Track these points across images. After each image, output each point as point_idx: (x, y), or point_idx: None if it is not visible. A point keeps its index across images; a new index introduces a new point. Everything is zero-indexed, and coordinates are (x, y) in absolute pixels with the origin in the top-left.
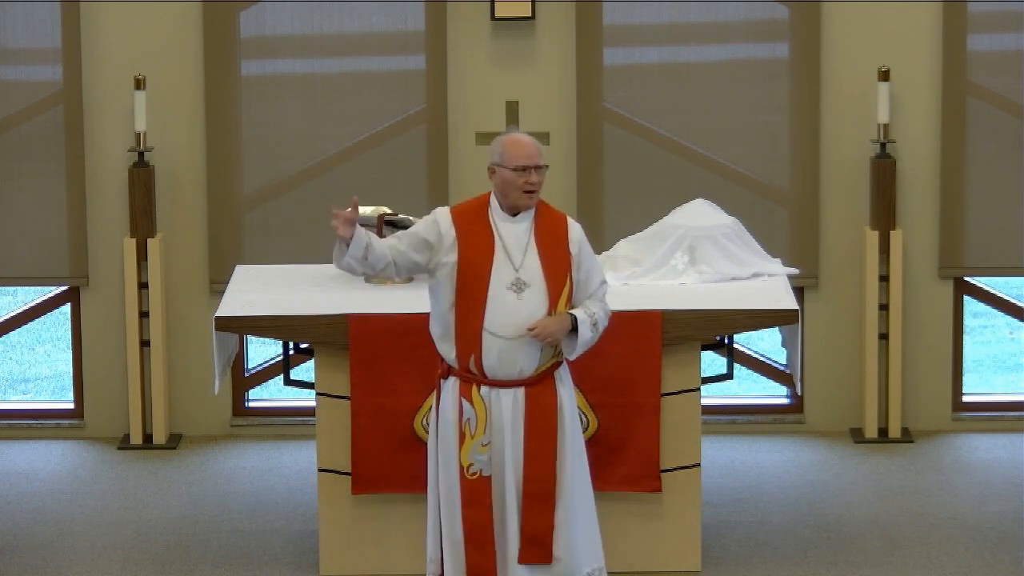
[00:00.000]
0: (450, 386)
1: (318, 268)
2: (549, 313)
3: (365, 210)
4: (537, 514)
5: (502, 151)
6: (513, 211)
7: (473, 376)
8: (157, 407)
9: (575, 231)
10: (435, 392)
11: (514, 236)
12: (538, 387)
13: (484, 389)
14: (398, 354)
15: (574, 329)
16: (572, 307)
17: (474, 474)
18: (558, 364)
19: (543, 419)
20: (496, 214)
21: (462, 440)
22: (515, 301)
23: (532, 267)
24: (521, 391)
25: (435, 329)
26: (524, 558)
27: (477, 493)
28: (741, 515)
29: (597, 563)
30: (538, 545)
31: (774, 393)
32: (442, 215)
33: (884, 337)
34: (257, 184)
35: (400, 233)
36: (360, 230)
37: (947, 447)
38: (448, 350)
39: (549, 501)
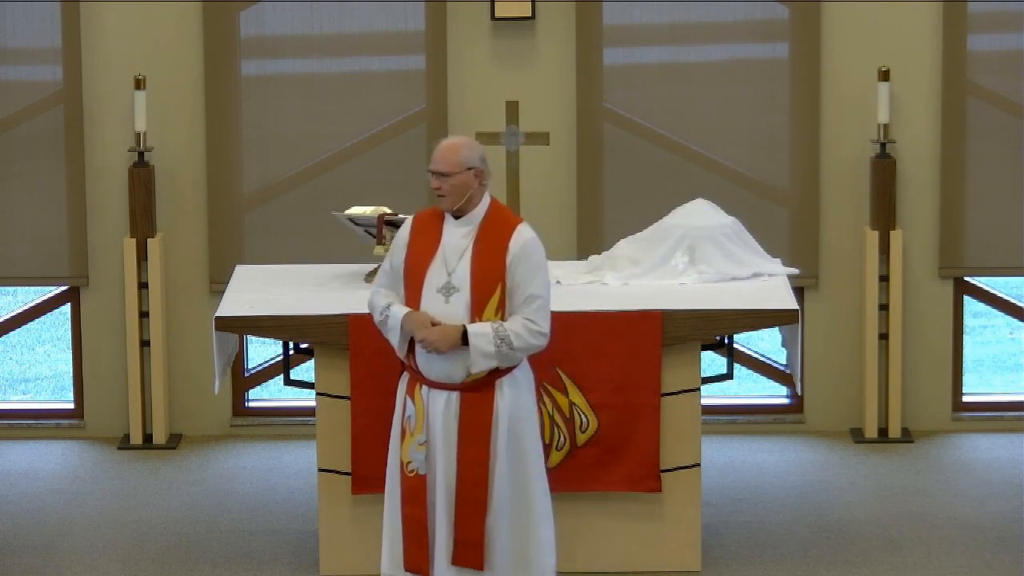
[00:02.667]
0: (402, 382)
1: (318, 268)
2: (472, 320)
3: (365, 210)
4: (468, 519)
5: None
6: (455, 213)
7: (417, 375)
8: (157, 407)
9: (517, 239)
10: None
11: (455, 240)
12: (475, 393)
13: (424, 388)
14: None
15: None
16: (504, 316)
17: (412, 471)
18: (502, 372)
19: (477, 425)
20: (448, 217)
21: (403, 437)
22: (443, 305)
23: (463, 272)
24: (456, 395)
25: None
26: (457, 559)
27: (414, 490)
28: (741, 515)
29: None
30: (470, 549)
31: (774, 393)
32: (406, 223)
33: (884, 337)
34: (257, 184)
35: (382, 271)
36: (397, 316)
37: (947, 447)
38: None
39: (481, 507)
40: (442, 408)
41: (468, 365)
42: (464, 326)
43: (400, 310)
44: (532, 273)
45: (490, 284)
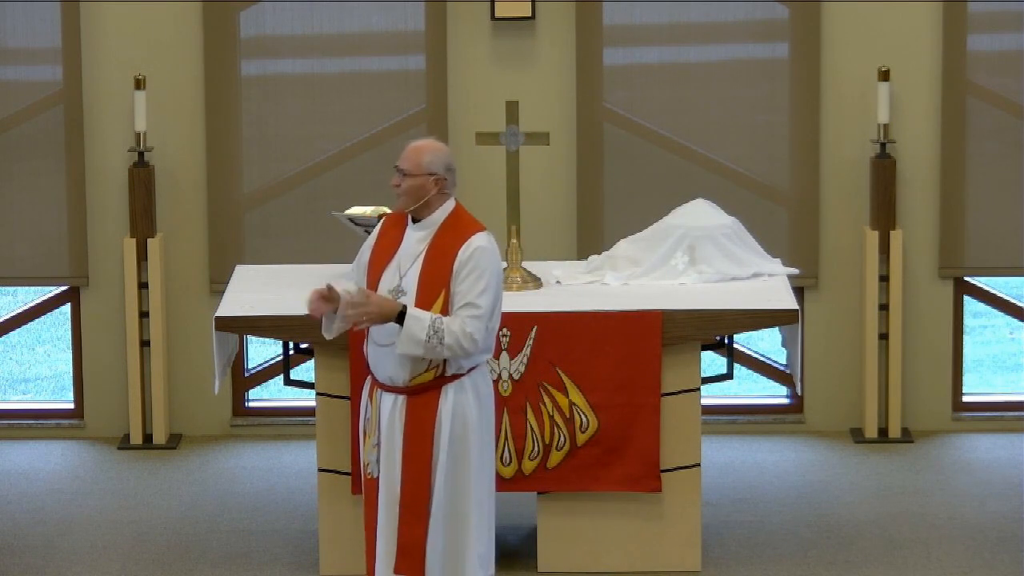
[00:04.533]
0: (365, 384)
1: (318, 268)
2: None
3: (365, 210)
4: (410, 524)
5: None
6: (413, 217)
7: (373, 377)
8: (157, 407)
9: (467, 248)
10: None
11: (411, 244)
12: (420, 397)
13: (379, 391)
14: None
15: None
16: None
17: (369, 474)
18: (448, 378)
19: (419, 429)
20: (410, 221)
21: (365, 439)
22: None
23: (412, 276)
24: (402, 398)
25: None
26: (398, 567)
27: (370, 493)
28: (741, 515)
29: None
30: (411, 557)
31: (774, 393)
32: (378, 224)
33: (884, 337)
34: (257, 184)
35: (352, 268)
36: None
37: (947, 447)
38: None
39: (422, 513)
40: (388, 410)
41: (396, 343)
42: (405, 305)
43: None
44: (475, 282)
45: (434, 289)
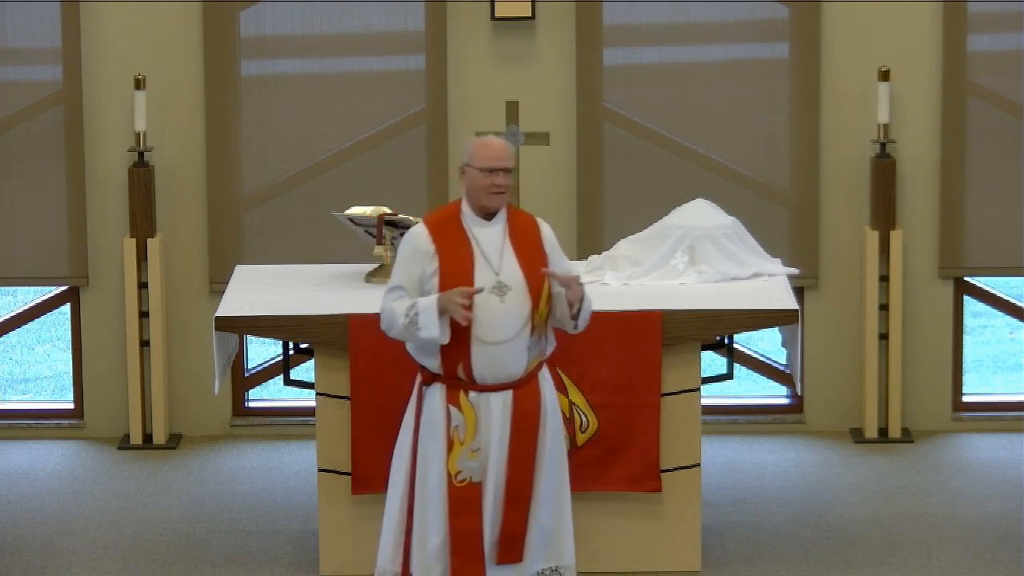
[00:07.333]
0: (436, 392)
1: (318, 268)
2: (532, 313)
3: (365, 210)
4: (515, 515)
5: (472, 151)
6: (484, 214)
7: (461, 382)
8: (157, 407)
9: (546, 231)
10: (415, 398)
11: (489, 239)
12: (525, 389)
13: (473, 394)
14: (398, 354)
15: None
16: (550, 304)
17: (463, 481)
18: (541, 364)
19: (528, 421)
20: (469, 219)
21: (450, 447)
22: (499, 305)
23: (511, 269)
24: (509, 394)
25: (410, 344)
26: (500, 558)
27: (466, 501)
28: (741, 515)
29: (557, 561)
30: (514, 545)
31: (774, 393)
32: (418, 232)
33: (884, 337)
34: (257, 184)
35: (394, 287)
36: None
37: (947, 447)
38: (431, 361)
39: (526, 502)
40: (499, 410)
41: (579, 322)
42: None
43: (428, 299)
44: (563, 255)
45: (540, 277)
